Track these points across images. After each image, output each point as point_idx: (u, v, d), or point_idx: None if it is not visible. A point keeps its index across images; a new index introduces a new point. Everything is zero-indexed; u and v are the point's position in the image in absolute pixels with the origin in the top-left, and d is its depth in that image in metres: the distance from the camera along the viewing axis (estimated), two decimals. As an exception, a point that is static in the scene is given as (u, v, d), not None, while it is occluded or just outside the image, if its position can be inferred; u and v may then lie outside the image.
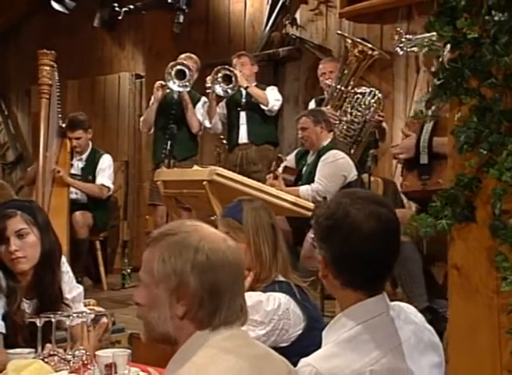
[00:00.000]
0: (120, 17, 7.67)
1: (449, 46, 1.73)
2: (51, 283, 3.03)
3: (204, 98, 6.43)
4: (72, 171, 6.22)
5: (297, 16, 7.23)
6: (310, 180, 5.13)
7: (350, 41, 5.77)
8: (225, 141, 6.49)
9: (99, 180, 6.36)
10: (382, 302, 2.02)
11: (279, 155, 5.30)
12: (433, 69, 4.96)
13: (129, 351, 2.69)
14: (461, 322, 1.85)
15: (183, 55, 6.49)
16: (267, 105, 6.18)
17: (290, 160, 5.52)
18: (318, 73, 6.12)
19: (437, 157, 3.94)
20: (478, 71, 1.69)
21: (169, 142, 5.72)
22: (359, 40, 5.77)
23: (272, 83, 6.66)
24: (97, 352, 2.70)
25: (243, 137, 6.29)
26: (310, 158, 5.36)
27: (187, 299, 1.76)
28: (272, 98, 6.23)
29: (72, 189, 6.14)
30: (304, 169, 5.37)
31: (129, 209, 8.18)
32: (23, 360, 2.54)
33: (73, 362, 2.66)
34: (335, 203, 2.05)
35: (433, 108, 1.67)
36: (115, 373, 2.61)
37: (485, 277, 1.78)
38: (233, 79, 6.14)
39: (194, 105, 6.36)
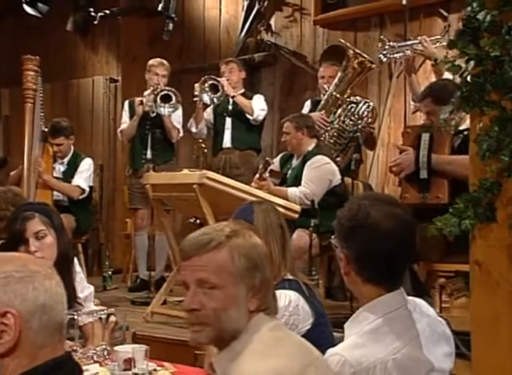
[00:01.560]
0: (96, 22, 7.63)
1: (472, 63, 1.89)
2: (67, 282, 3.12)
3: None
4: (54, 174, 6.21)
5: (272, 22, 7.36)
6: (295, 183, 5.22)
7: (351, 52, 5.77)
8: (203, 145, 6.52)
9: (75, 180, 6.30)
10: (400, 297, 2.14)
11: (267, 158, 5.36)
12: (413, 76, 5.19)
13: (146, 346, 2.82)
14: (483, 314, 1.99)
15: (154, 62, 6.37)
16: (252, 115, 6.22)
17: (275, 164, 5.59)
18: (317, 75, 6.16)
19: (436, 172, 4.06)
20: (499, 85, 1.85)
21: (153, 147, 5.81)
22: (359, 51, 5.79)
23: (248, 89, 6.70)
24: (115, 348, 2.82)
25: (226, 142, 6.34)
26: (295, 162, 5.45)
27: (263, 292, 1.85)
28: (258, 107, 6.25)
29: (55, 191, 6.15)
30: (289, 172, 5.46)
31: (103, 212, 8.20)
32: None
33: (97, 357, 2.77)
34: (356, 205, 2.19)
35: (456, 118, 1.82)
36: (134, 367, 2.74)
37: (504, 272, 1.92)
38: (220, 88, 6.17)
39: None
